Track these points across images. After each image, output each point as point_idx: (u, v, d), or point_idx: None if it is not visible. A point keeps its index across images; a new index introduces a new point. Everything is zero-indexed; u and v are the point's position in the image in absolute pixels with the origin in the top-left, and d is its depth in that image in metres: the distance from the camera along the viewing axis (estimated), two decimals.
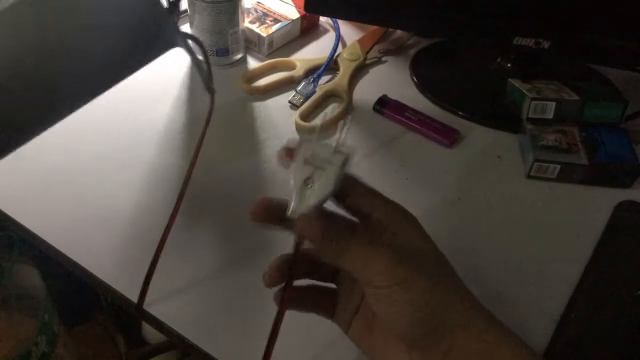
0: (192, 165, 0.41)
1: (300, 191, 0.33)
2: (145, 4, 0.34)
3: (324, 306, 0.37)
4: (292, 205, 0.33)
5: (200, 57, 0.38)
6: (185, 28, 0.71)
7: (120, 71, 0.36)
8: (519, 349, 0.31)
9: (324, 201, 0.33)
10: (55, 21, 0.33)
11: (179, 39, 0.36)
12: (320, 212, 0.33)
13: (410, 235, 0.33)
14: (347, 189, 0.34)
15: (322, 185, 0.32)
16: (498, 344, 0.31)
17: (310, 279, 0.37)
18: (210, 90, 0.38)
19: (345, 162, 0.33)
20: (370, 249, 0.31)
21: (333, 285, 0.38)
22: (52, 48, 0.33)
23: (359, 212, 0.34)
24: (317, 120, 0.63)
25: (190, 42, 0.37)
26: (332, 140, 0.34)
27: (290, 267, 0.34)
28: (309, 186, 0.33)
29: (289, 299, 0.34)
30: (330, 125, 0.62)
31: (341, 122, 0.33)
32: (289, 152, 0.34)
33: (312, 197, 0.32)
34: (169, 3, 0.37)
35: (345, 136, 0.34)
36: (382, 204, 0.34)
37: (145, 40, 0.35)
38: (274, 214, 0.33)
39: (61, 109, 0.35)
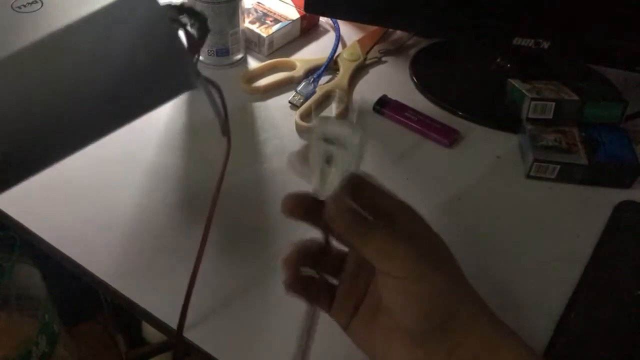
0: (217, 195, 0.42)
1: (321, 170, 0.32)
2: (167, 46, 0.33)
3: (323, 299, 0.37)
4: (315, 184, 0.32)
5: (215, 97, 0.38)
6: None
7: (136, 111, 0.36)
8: (520, 350, 0.31)
9: (354, 174, 0.32)
10: (76, 60, 0.33)
11: (199, 82, 0.35)
12: (347, 195, 0.32)
13: (428, 236, 0.34)
14: (363, 185, 0.34)
15: (346, 164, 0.32)
16: (500, 345, 0.31)
17: (314, 271, 0.37)
18: (227, 134, 0.39)
19: (363, 141, 0.32)
20: (393, 240, 0.31)
21: (335, 281, 0.38)
22: (68, 88, 0.33)
23: (373, 208, 0.34)
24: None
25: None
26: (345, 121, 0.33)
27: (321, 254, 0.35)
28: (331, 166, 0.32)
29: (295, 285, 0.35)
30: None
31: (352, 104, 0.33)
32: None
33: (336, 177, 0.31)
34: (190, 44, 0.37)
35: (357, 118, 0.34)
36: (398, 203, 0.34)
37: (164, 81, 0.35)
38: (301, 206, 0.34)
39: (72, 147, 0.35)
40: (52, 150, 0.35)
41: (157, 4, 0.33)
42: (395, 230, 0.32)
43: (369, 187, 0.34)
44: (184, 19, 0.36)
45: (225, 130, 0.39)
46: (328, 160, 0.32)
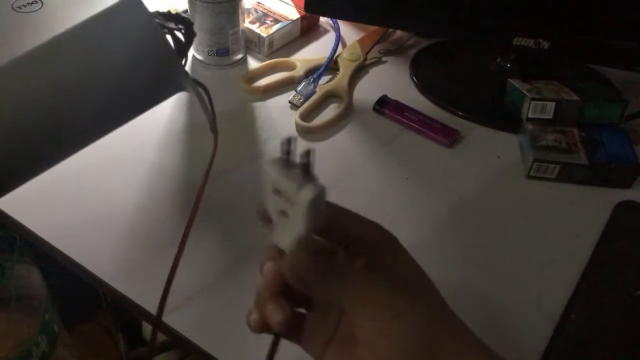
0: (202, 189, 0.42)
1: (279, 222, 0.30)
2: (157, 50, 0.34)
3: (294, 331, 0.35)
4: (273, 237, 0.31)
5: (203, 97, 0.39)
6: None
7: (129, 113, 0.37)
8: None
9: (306, 236, 0.29)
10: (71, 67, 0.34)
11: (187, 84, 0.36)
12: (308, 245, 0.30)
13: (405, 264, 0.32)
14: (330, 220, 0.32)
15: (295, 224, 0.29)
16: None
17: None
18: (214, 131, 0.40)
19: (316, 199, 0.28)
20: (369, 285, 0.30)
21: (303, 311, 0.35)
22: (67, 92, 0.34)
23: (347, 240, 0.33)
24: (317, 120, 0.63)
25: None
26: (297, 169, 0.28)
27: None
28: (287, 218, 0.30)
29: (264, 325, 0.32)
30: (330, 125, 0.62)
31: (307, 149, 0.28)
32: (263, 214, 0.32)
33: (289, 233, 0.29)
34: (178, 48, 0.38)
35: (313, 165, 0.29)
36: (374, 229, 0.33)
37: (155, 84, 0.36)
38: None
39: (71, 147, 0.36)
40: (48, 153, 0.36)
41: (147, 11, 0.34)
42: (370, 265, 0.31)
43: (338, 219, 0.32)
44: (171, 24, 0.37)
45: (214, 128, 0.39)
46: (282, 213, 0.30)
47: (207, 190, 0.55)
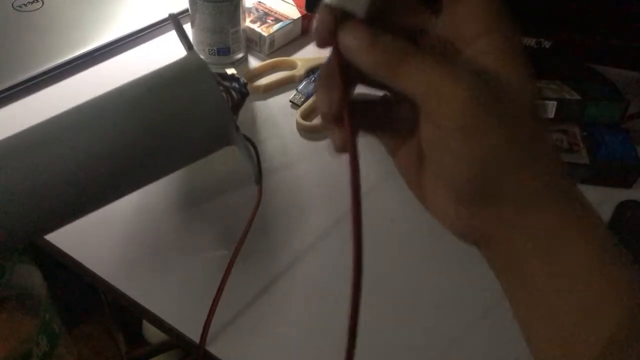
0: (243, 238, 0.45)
1: None
2: (217, 109, 0.38)
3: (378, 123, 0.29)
4: None
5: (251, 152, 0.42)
6: (187, 28, 0.71)
7: (182, 162, 0.41)
8: (586, 232, 0.24)
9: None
10: (135, 122, 0.38)
11: (238, 139, 0.40)
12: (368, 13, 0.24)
13: (510, 73, 0.23)
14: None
15: None
16: (561, 227, 0.24)
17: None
18: (259, 183, 0.42)
19: None
20: (440, 67, 0.23)
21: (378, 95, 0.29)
22: (128, 146, 0.37)
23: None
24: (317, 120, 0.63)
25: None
26: None
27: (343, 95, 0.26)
28: None
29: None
30: None
31: None
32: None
33: None
34: (231, 105, 0.41)
35: None
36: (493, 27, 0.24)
37: (209, 136, 0.39)
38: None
39: (128, 190, 0.40)
40: (93, 204, 0.40)
41: (209, 70, 0.38)
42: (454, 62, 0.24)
43: None
44: (226, 83, 0.41)
45: (258, 181, 0.42)
46: None
47: (206, 189, 0.55)
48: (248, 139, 0.40)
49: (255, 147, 0.41)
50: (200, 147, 0.40)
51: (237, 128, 0.39)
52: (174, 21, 0.42)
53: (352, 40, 0.24)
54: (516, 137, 0.23)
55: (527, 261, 0.25)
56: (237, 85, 0.41)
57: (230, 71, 0.42)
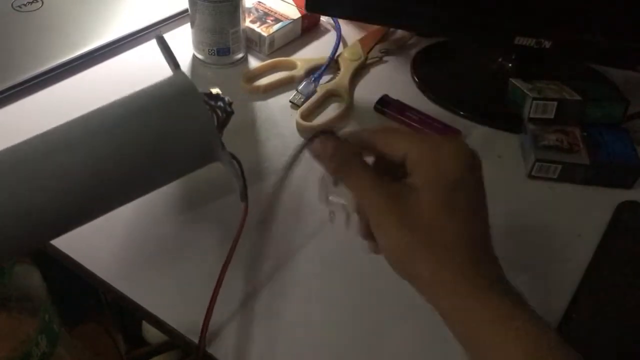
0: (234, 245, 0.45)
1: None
2: (203, 128, 0.39)
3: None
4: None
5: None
6: (187, 27, 0.71)
7: (167, 178, 0.42)
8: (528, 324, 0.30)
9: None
10: (120, 140, 0.38)
11: (224, 157, 0.41)
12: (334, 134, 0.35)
13: (455, 178, 0.33)
14: (370, 137, 0.35)
15: None
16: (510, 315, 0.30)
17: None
18: (244, 200, 0.44)
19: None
20: (366, 182, 0.32)
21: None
22: (117, 164, 0.38)
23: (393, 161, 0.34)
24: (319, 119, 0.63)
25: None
26: None
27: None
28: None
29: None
30: (332, 125, 0.62)
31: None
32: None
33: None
34: (217, 125, 0.43)
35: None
36: (416, 143, 0.33)
37: (195, 153, 0.41)
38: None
39: (116, 205, 0.41)
40: (82, 218, 0.40)
41: (198, 92, 0.40)
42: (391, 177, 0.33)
43: (380, 134, 0.35)
44: (212, 102, 0.42)
45: (244, 198, 0.43)
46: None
47: (206, 188, 0.55)
48: (234, 157, 0.42)
49: (240, 165, 0.42)
50: (187, 164, 0.42)
51: (223, 146, 0.41)
52: (160, 41, 0.44)
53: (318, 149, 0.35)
54: (414, 231, 0.31)
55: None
56: (222, 104, 0.43)
57: (215, 90, 0.44)
